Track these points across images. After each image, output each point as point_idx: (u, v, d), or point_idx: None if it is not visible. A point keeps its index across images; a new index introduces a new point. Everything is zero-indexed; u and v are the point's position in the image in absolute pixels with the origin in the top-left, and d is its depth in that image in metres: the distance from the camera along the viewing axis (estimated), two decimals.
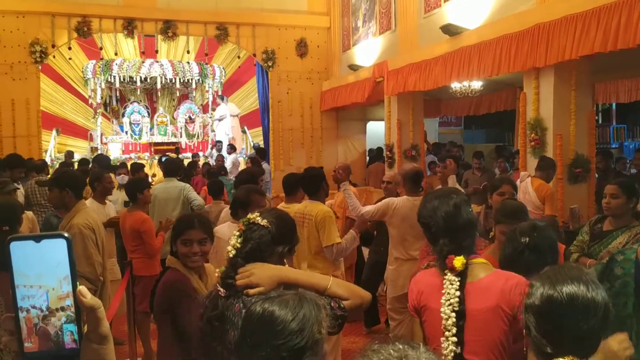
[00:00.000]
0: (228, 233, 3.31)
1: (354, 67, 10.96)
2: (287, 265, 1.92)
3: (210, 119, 14.27)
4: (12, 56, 10.64)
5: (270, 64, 12.04)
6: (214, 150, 12.76)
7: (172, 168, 6.22)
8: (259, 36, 11.84)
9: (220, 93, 14.31)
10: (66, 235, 0.85)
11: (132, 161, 11.49)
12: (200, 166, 10.24)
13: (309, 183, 4.10)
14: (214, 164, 10.66)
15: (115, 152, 13.17)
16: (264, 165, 10.20)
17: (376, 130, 12.51)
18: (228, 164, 11.32)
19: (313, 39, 12.23)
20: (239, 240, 1.97)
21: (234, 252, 1.96)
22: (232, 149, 12.30)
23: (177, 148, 12.35)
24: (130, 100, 14.53)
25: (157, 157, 12.34)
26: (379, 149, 11.83)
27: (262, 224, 1.97)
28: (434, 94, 11.22)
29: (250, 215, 2.02)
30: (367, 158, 12.64)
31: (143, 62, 13.40)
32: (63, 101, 14.14)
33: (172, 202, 5.72)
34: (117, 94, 14.31)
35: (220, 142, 13.10)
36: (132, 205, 4.79)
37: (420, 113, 9.59)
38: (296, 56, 12.19)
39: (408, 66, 8.66)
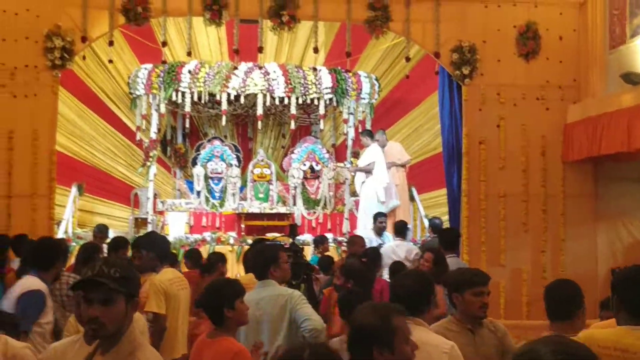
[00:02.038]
0: None
1: (633, 78, 9.91)
2: None
3: (348, 171, 13.17)
4: (13, 56, 10.05)
5: (466, 72, 11.16)
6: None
7: (262, 261, 5.97)
8: (447, 20, 11.09)
9: (369, 125, 13.24)
10: None
11: (208, 246, 11.30)
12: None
13: None
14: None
15: (177, 229, 12.34)
16: (453, 261, 8.58)
17: None
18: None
19: (550, 24, 11.35)
20: None
21: None
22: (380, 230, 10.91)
23: (294, 227, 10.59)
24: (208, 136, 14.16)
25: (250, 240, 11.15)
26: None
27: None
28: None
29: None
30: None
31: (235, 68, 12.60)
32: (92, 135, 13.82)
33: (273, 321, 5.58)
34: (186, 125, 13.21)
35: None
36: (217, 328, 4.92)
37: None
38: (516, 57, 11.22)
39: None
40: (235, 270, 10.85)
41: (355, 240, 9.63)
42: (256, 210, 12.85)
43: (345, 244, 11.04)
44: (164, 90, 12.36)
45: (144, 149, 12.78)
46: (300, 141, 14.10)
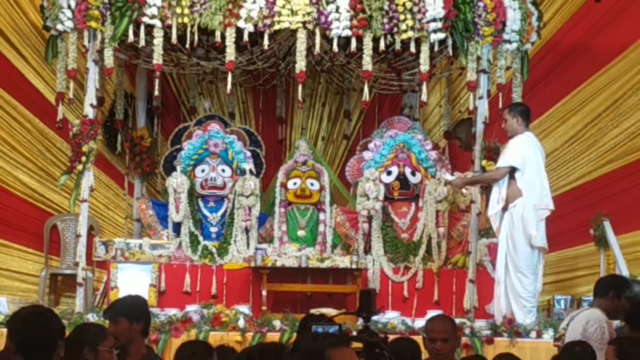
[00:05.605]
0: None
1: None
2: None
3: (474, 185, 10.50)
4: None
5: None
6: None
7: None
8: None
9: (518, 94, 10.19)
10: None
11: (196, 331, 8.63)
12: None
13: None
14: None
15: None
16: None
17: None
18: None
19: None
20: None
21: None
22: None
23: (368, 295, 6.36)
24: (198, 114, 10.96)
25: (276, 323, 8.91)
26: None
27: None
28: None
29: None
30: None
31: None
32: None
33: None
34: (155, 93, 9.93)
35: None
36: None
37: None
38: None
39: None
40: None
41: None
42: (292, 263, 9.22)
43: None
44: (113, 22, 8.86)
45: (72, 140, 9.00)
46: (381, 126, 10.20)
